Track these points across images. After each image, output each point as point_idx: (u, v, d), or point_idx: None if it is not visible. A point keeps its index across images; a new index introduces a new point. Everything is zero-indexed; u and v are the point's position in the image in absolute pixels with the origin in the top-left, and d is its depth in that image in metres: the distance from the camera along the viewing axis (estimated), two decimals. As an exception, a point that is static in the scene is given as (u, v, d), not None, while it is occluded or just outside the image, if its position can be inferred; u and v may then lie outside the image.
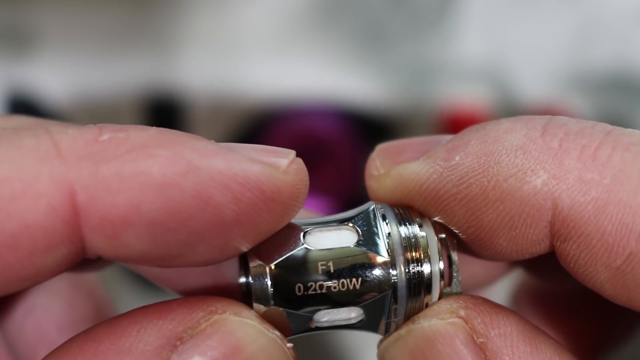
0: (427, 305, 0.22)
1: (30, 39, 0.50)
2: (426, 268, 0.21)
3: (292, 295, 0.21)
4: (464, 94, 0.51)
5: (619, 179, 0.20)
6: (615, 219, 0.20)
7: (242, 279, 0.22)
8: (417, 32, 0.51)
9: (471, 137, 0.21)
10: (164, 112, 0.50)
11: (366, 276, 0.21)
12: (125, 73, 0.50)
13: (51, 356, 0.20)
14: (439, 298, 0.22)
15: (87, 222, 0.19)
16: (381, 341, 0.22)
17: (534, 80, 0.51)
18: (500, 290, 0.29)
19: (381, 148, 0.24)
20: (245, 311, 0.20)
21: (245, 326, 0.20)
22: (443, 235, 0.22)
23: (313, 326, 0.22)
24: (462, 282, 0.22)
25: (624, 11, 0.50)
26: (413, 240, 0.22)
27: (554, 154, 0.20)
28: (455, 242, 0.23)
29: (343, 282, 0.21)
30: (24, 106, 0.50)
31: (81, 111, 0.50)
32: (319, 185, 0.49)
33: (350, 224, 0.22)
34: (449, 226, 0.22)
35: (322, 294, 0.21)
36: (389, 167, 0.23)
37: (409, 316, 0.22)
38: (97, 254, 0.20)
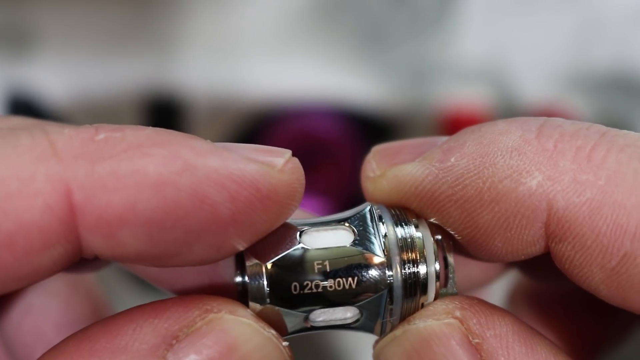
0: (422, 306, 0.22)
1: (30, 39, 0.50)
2: (422, 269, 0.22)
3: (288, 294, 0.21)
4: (464, 94, 0.51)
5: (613, 180, 0.20)
6: (610, 220, 0.20)
7: (238, 278, 0.22)
8: (417, 32, 0.51)
9: (467, 139, 0.22)
10: (164, 112, 0.50)
11: (362, 276, 0.21)
12: (125, 73, 0.50)
13: (47, 355, 0.20)
14: (435, 299, 0.22)
15: (83, 221, 0.19)
16: (377, 342, 0.23)
17: (533, 81, 0.51)
18: (496, 291, 0.29)
19: (377, 149, 0.24)
20: (240, 310, 0.21)
21: (240, 325, 0.20)
22: (439, 237, 0.22)
23: (309, 325, 0.22)
24: (457, 283, 0.23)
25: (624, 11, 0.50)
26: (409, 241, 0.22)
27: (549, 155, 0.20)
28: (451, 243, 0.23)
29: (339, 282, 0.21)
30: (24, 106, 0.50)
31: (81, 111, 0.50)
32: (319, 186, 0.49)
33: (347, 224, 0.22)
34: (445, 227, 0.22)
35: (317, 293, 0.21)
36: (384, 169, 0.23)
37: (405, 316, 0.22)
38: (93, 253, 0.20)
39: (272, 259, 0.21)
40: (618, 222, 0.20)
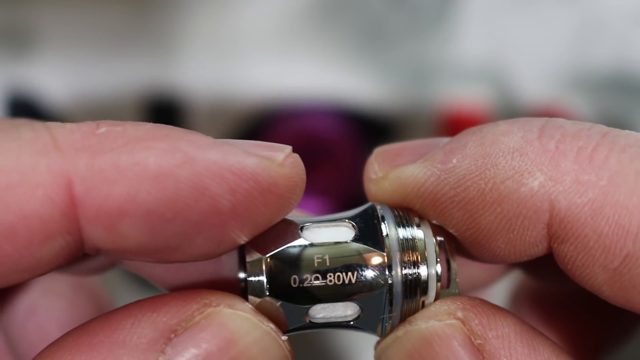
0: (423, 306, 0.22)
1: (30, 39, 0.50)
2: (422, 270, 0.22)
3: (288, 287, 0.21)
4: (464, 94, 0.51)
5: (615, 180, 0.20)
6: (612, 221, 0.20)
7: (241, 274, 0.22)
8: (417, 32, 0.51)
9: (468, 140, 0.22)
10: (164, 112, 0.50)
11: (362, 271, 0.21)
12: (125, 73, 0.50)
13: (47, 349, 0.20)
14: (436, 299, 0.22)
15: (84, 213, 0.19)
16: (378, 342, 0.23)
17: (533, 80, 0.51)
18: (499, 292, 0.29)
19: (379, 151, 0.24)
20: (239, 304, 0.21)
21: (239, 319, 0.20)
22: (441, 238, 0.22)
23: (309, 322, 0.22)
24: (460, 284, 0.23)
25: (624, 11, 0.50)
26: (410, 241, 0.22)
27: (550, 155, 0.20)
28: (453, 244, 0.23)
29: (339, 276, 0.21)
30: (24, 106, 0.50)
31: (81, 111, 0.50)
32: (319, 185, 0.49)
33: (349, 222, 0.22)
34: (447, 229, 0.22)
35: (317, 286, 0.21)
36: (387, 171, 0.23)
37: (405, 317, 0.22)
38: (95, 247, 0.20)
39: (272, 251, 0.21)
40: (620, 222, 0.20)
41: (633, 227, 0.19)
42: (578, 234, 0.20)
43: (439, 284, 0.22)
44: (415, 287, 0.22)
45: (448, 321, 0.21)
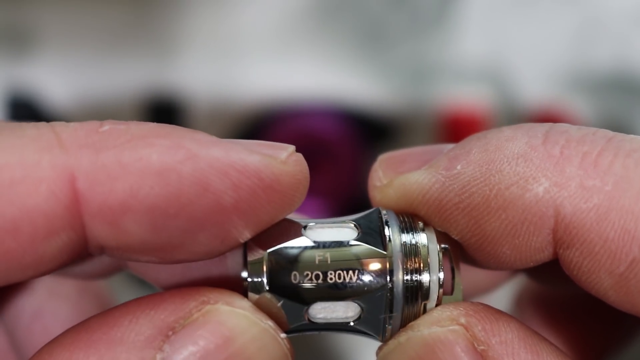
0: (425, 310, 0.22)
1: (30, 39, 0.50)
2: (424, 276, 0.21)
3: (288, 284, 0.21)
4: (464, 94, 0.51)
5: (620, 185, 0.20)
6: (618, 226, 0.20)
7: (244, 274, 0.22)
8: (417, 32, 0.51)
9: (472, 146, 0.21)
10: (164, 112, 0.50)
11: (363, 271, 0.21)
12: (125, 73, 0.50)
13: (47, 347, 0.20)
14: (437, 305, 0.22)
15: (87, 208, 0.19)
16: (380, 348, 0.22)
17: (534, 81, 0.51)
18: (502, 296, 0.29)
19: (383, 158, 0.24)
20: (238, 301, 0.21)
21: (237, 316, 0.20)
22: (446, 245, 0.22)
23: (309, 321, 0.22)
24: (464, 291, 0.22)
25: (624, 11, 0.50)
26: (414, 246, 0.22)
27: (555, 161, 0.20)
28: (458, 252, 0.22)
29: (339, 274, 0.21)
30: (24, 106, 0.50)
31: (81, 111, 0.50)
32: (319, 186, 0.49)
33: (352, 224, 0.22)
34: (452, 235, 0.22)
35: (317, 284, 0.21)
36: (391, 177, 0.23)
37: (406, 321, 0.22)
38: (99, 244, 0.20)
39: (273, 247, 0.21)
40: (626, 227, 0.19)
41: (638, 232, 0.19)
42: (583, 240, 0.20)
43: (441, 290, 0.22)
44: (416, 292, 0.21)
45: (451, 327, 0.21)
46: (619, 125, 0.45)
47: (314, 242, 0.21)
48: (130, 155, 0.19)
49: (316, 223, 0.22)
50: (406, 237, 0.22)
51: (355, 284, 0.21)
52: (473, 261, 0.23)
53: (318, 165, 0.50)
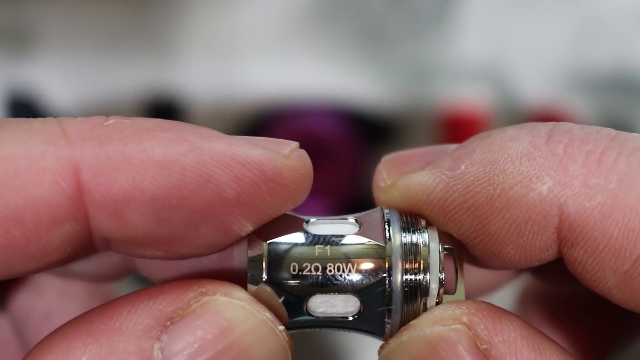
0: (425, 309, 0.22)
1: (30, 39, 0.50)
2: (423, 275, 0.21)
3: (286, 274, 0.21)
4: (464, 94, 0.51)
5: (624, 183, 0.20)
6: (622, 224, 0.20)
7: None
8: (417, 32, 0.51)
9: (476, 146, 0.21)
10: (164, 112, 0.50)
11: (362, 265, 0.21)
12: (125, 73, 0.50)
13: (48, 338, 0.20)
14: (438, 303, 0.22)
15: (91, 199, 0.19)
16: (382, 347, 0.22)
17: (534, 81, 0.51)
18: (505, 294, 0.29)
19: (387, 159, 0.24)
20: (236, 292, 0.21)
21: (234, 307, 0.20)
22: (449, 246, 0.22)
23: (308, 313, 0.22)
24: (468, 290, 0.22)
25: (624, 11, 0.50)
26: (414, 245, 0.22)
27: (558, 160, 0.20)
28: (462, 253, 0.22)
29: (339, 266, 0.21)
30: (24, 106, 0.50)
31: (81, 112, 0.50)
32: (319, 185, 0.49)
33: (354, 220, 0.22)
34: (457, 236, 0.22)
35: (317, 275, 0.21)
36: (395, 178, 0.23)
37: (406, 319, 0.22)
38: (103, 236, 0.20)
39: (273, 238, 0.21)
40: (630, 225, 0.19)
41: None
42: (588, 238, 0.20)
43: (442, 289, 0.22)
44: (415, 290, 0.21)
45: (453, 326, 0.21)
46: (619, 125, 0.46)
47: (315, 234, 0.21)
48: (134, 147, 0.19)
49: (318, 219, 0.22)
50: (407, 235, 0.22)
51: (354, 278, 0.21)
52: (477, 261, 0.23)
53: (318, 165, 0.49)
